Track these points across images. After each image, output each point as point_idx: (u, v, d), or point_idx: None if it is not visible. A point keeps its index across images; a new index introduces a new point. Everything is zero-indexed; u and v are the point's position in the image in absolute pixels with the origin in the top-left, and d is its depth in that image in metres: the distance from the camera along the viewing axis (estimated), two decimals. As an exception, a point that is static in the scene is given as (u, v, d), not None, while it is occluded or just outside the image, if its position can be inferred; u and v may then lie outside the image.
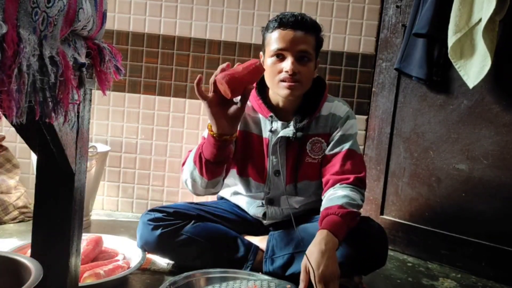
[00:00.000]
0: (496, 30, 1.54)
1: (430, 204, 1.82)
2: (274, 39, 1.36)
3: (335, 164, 1.41)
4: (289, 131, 1.41)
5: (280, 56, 1.36)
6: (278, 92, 1.40)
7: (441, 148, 1.78)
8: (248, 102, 1.49)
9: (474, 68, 1.57)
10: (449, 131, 1.76)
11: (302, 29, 1.34)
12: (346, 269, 1.35)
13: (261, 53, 1.46)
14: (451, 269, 1.75)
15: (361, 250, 1.32)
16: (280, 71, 1.35)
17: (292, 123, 1.42)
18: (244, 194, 1.55)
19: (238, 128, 1.45)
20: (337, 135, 1.44)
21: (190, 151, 1.44)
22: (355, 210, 1.27)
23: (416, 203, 1.85)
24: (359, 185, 1.37)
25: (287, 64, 1.34)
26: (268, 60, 1.39)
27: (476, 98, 1.69)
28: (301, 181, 1.48)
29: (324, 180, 1.44)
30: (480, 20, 1.53)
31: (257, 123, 1.48)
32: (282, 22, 1.35)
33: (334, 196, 1.32)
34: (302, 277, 1.16)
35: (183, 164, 1.43)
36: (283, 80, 1.36)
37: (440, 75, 1.76)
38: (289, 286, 1.20)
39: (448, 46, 1.60)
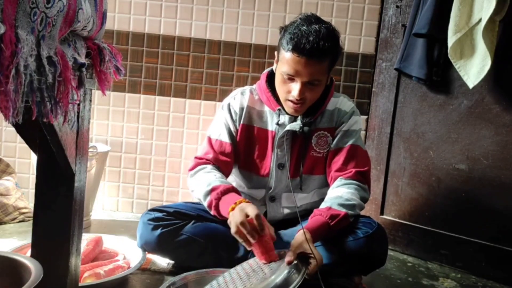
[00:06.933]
0: (496, 30, 1.54)
1: (430, 204, 1.82)
2: (287, 61, 1.32)
3: (339, 160, 1.43)
4: (296, 125, 1.41)
5: (290, 78, 1.34)
6: (284, 106, 1.42)
7: (441, 148, 1.78)
8: (255, 94, 1.50)
9: (474, 68, 1.57)
10: (449, 131, 1.76)
11: (317, 58, 1.29)
12: (346, 269, 1.36)
13: (275, 52, 1.43)
14: (451, 269, 1.74)
15: (361, 250, 1.32)
16: (289, 91, 1.36)
17: (299, 117, 1.43)
18: (245, 192, 1.55)
19: (241, 122, 1.47)
20: (342, 130, 1.46)
21: (198, 159, 1.45)
22: (344, 211, 1.29)
23: (416, 203, 1.85)
24: (361, 179, 1.38)
25: (295, 89, 1.33)
26: (278, 76, 1.38)
27: (476, 98, 1.69)
28: (305, 175, 1.48)
29: (328, 178, 1.47)
30: (480, 20, 1.53)
31: (262, 117, 1.49)
32: (298, 47, 1.27)
33: (328, 197, 1.36)
34: (294, 248, 1.18)
35: (191, 169, 1.45)
36: (289, 100, 1.37)
37: (440, 75, 1.76)
38: (282, 252, 1.22)
39: (448, 46, 1.60)
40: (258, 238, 1.17)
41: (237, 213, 1.19)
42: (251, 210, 1.19)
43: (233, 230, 1.19)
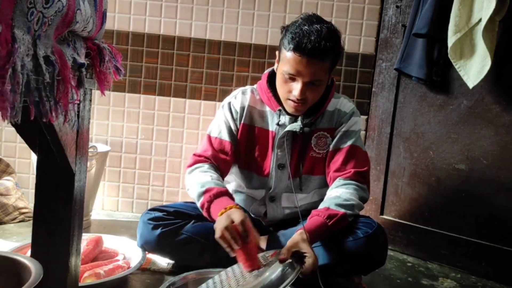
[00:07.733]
0: (496, 30, 1.54)
1: (430, 204, 1.82)
2: (288, 61, 1.31)
3: (338, 160, 1.43)
4: (297, 125, 1.42)
5: (291, 77, 1.34)
6: (285, 106, 1.42)
7: (441, 148, 1.78)
8: (256, 94, 1.50)
9: (474, 68, 1.57)
10: (449, 131, 1.76)
11: (318, 58, 1.29)
12: (346, 269, 1.36)
13: (276, 52, 1.43)
14: (451, 269, 1.74)
15: (361, 250, 1.32)
16: (290, 91, 1.35)
17: (300, 118, 1.43)
18: (245, 192, 1.55)
19: (242, 122, 1.47)
20: (341, 130, 1.46)
21: (196, 156, 1.45)
22: (342, 211, 1.29)
23: (416, 203, 1.85)
24: (360, 180, 1.38)
25: (296, 89, 1.33)
26: (279, 75, 1.38)
27: (476, 98, 1.69)
28: (304, 175, 1.48)
29: (327, 178, 1.46)
30: (480, 20, 1.53)
31: (263, 117, 1.49)
32: (299, 47, 1.27)
33: (327, 197, 1.36)
34: (289, 247, 1.18)
35: (189, 166, 1.44)
36: (290, 99, 1.37)
37: (440, 75, 1.76)
38: (278, 251, 1.23)
39: (448, 46, 1.60)
40: (242, 245, 1.14)
41: (223, 218, 1.18)
42: (237, 216, 1.17)
43: (217, 234, 1.17)
